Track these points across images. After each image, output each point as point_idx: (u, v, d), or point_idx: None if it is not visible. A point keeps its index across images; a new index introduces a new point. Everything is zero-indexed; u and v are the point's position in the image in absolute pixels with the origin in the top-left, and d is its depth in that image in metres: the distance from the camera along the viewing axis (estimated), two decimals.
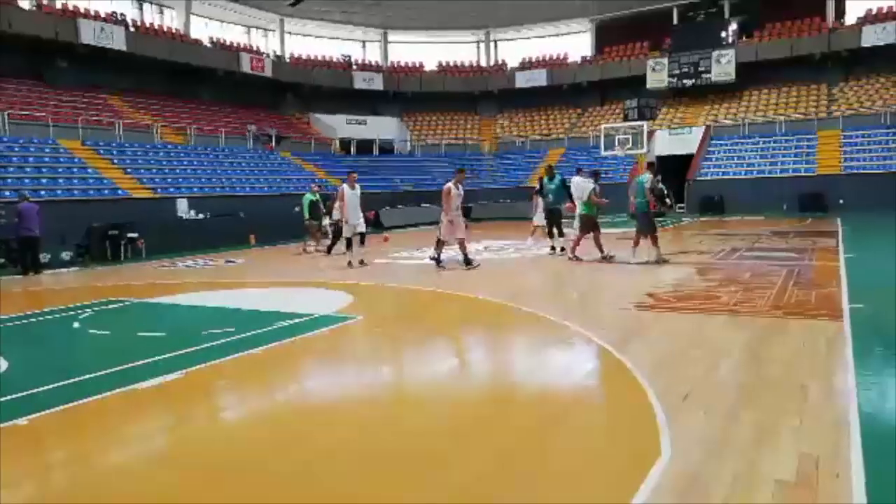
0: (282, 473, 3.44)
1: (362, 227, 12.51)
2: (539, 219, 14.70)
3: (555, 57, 40.37)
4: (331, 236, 15.96)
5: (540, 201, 14.44)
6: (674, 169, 29.57)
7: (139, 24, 30.45)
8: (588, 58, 39.26)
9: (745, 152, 29.64)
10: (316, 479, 3.38)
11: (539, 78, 38.83)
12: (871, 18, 31.71)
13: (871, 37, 30.46)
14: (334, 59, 38.79)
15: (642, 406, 4.22)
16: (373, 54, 41.31)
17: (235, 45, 34.45)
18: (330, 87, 36.66)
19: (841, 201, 24.02)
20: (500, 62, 42.00)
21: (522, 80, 39.16)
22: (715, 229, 18.86)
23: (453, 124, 40.06)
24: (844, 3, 33.84)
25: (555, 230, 13.53)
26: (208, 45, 32.71)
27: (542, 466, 3.47)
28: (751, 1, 33.56)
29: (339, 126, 34.83)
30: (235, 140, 28.61)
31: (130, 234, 16.28)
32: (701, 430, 3.77)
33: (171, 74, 30.29)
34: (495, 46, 42.52)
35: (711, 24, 34.50)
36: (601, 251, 11.90)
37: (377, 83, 38.17)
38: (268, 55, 35.11)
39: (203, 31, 34.15)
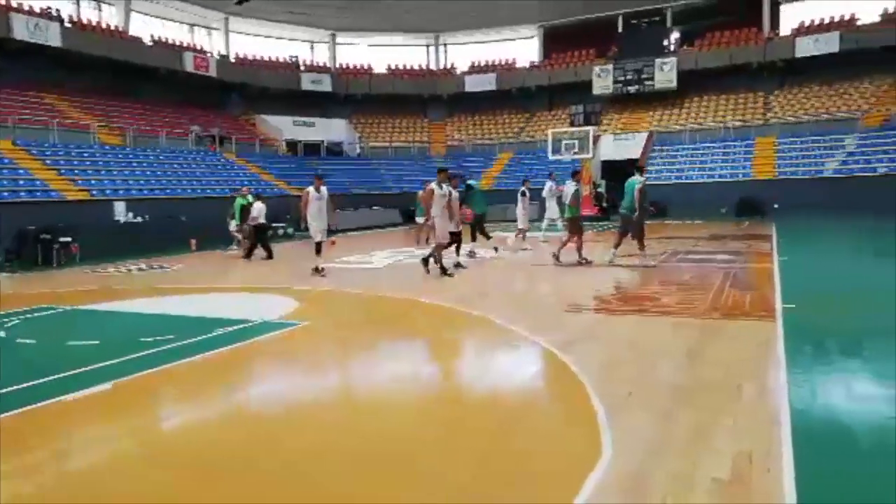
0: (223, 482, 3.32)
1: (322, 236, 11.75)
2: (523, 222, 15.76)
3: (504, 62, 40.79)
4: (242, 240, 15.83)
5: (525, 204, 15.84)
6: (619, 173, 30.39)
7: (76, 20, 29.28)
8: (536, 63, 39.82)
9: (685, 158, 30.56)
10: (258, 487, 3.28)
11: (488, 82, 39.15)
12: (804, 30, 33.19)
13: (805, 47, 31.87)
14: (281, 60, 38.19)
15: (585, 407, 4.27)
16: (321, 56, 40.87)
17: (178, 43, 33.51)
18: (277, 88, 36.06)
19: (776, 206, 24.99)
20: (449, 66, 42.16)
21: (472, 84, 39.40)
22: (657, 233, 19.33)
23: (403, 127, 39.97)
24: (779, 14, 35.34)
25: (479, 235, 13.86)
26: (149, 43, 31.71)
27: (486, 468, 3.46)
28: (692, 11, 34.71)
29: (286, 127, 34.27)
30: (177, 141, 27.79)
31: (64, 239, 15.56)
32: (641, 431, 3.83)
33: (110, 73, 29.20)
34: (445, 50, 42.67)
35: (654, 32, 35.51)
36: (579, 255, 12.05)
37: (326, 85, 37.77)
38: (212, 54, 34.27)
39: (144, 28, 33.08)
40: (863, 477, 3.24)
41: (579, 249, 12.05)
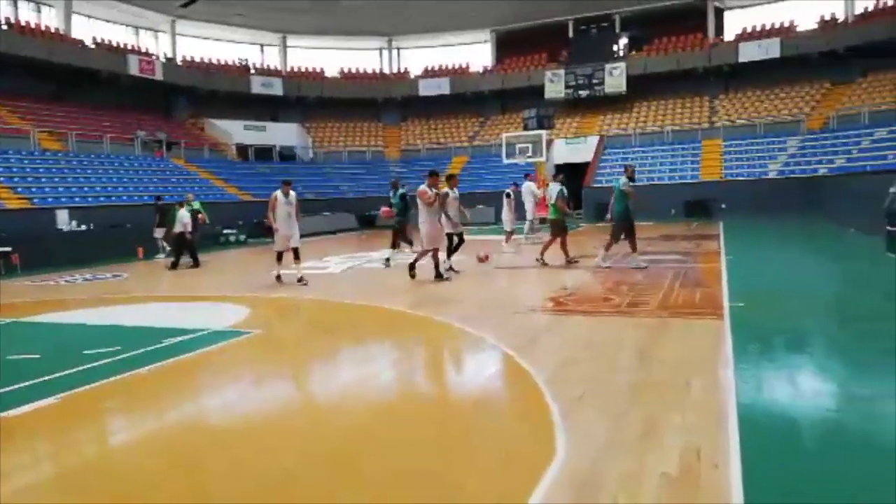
0: (171, 498, 3.21)
1: (296, 241, 11.13)
2: (509, 225, 16.06)
3: (457, 66, 40.99)
4: (167, 249, 15.56)
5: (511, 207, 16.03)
6: (572, 176, 30.84)
7: (13, 22, 28.16)
8: (489, 67, 40.14)
9: (636, 161, 31.19)
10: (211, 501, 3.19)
11: (442, 86, 39.29)
12: (746, 36, 34.36)
13: (748, 53, 33.02)
14: (231, 63, 37.52)
15: (539, 408, 4.30)
16: (272, 59, 40.30)
17: (122, 45, 32.57)
18: (227, 92, 35.39)
19: (723, 206, 25.76)
20: (403, 70, 42.14)
21: (426, 89, 39.48)
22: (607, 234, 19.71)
23: (357, 131, 39.74)
24: (724, 21, 36.51)
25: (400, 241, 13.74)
26: (91, 45, 30.73)
27: (442, 469, 3.45)
28: (640, 17, 35.55)
29: (237, 132, 33.66)
30: (123, 146, 26.99)
31: (3, 249, 14.95)
32: (593, 430, 3.87)
33: (51, 76, 28.23)
34: (398, 54, 42.63)
35: (604, 38, 36.24)
36: (566, 255, 12.17)
37: (277, 88, 37.27)
38: (158, 57, 33.44)
39: (86, 30, 32.04)
40: (806, 469, 3.34)
41: (565, 249, 12.21)
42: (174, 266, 14.61)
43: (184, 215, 14.54)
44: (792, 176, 26.07)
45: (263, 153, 33.54)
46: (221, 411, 4.83)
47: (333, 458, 3.73)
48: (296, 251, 11.12)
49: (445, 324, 7.28)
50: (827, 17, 32.64)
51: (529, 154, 27.88)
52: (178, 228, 14.57)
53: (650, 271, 10.81)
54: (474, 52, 41.37)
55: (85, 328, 8.13)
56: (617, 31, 36.15)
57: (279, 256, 11.26)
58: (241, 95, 35.87)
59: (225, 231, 22.46)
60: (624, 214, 11.20)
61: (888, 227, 11.52)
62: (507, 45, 39.83)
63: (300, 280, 10.95)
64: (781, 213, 22.63)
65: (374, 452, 3.78)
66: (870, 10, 31.64)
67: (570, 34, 37.24)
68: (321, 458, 3.74)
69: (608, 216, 11.85)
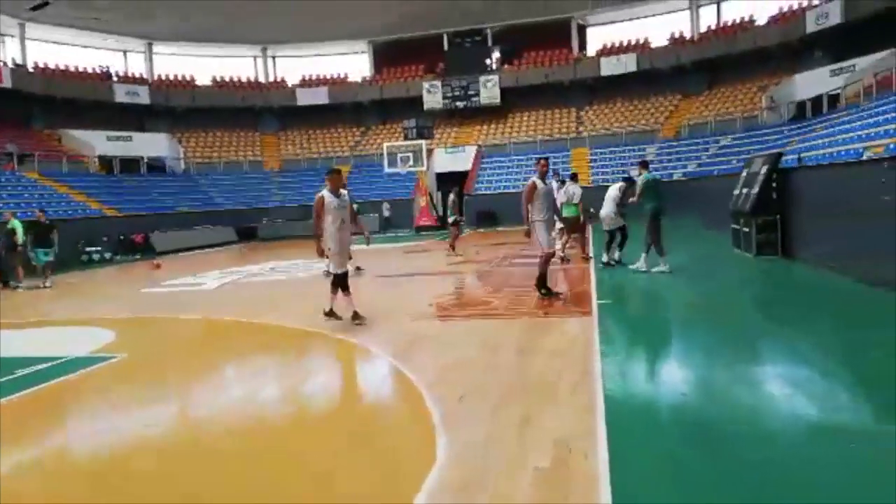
0: None
1: (342, 264, 7.81)
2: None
3: (336, 76, 40.66)
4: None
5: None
6: (452, 184, 31.45)
7: None
8: (368, 78, 40.14)
9: (511, 169, 32.43)
10: None
11: (321, 96, 38.80)
12: (606, 51, 36.79)
13: (608, 67, 35.41)
14: (91, 70, 34.92)
15: (420, 413, 4.39)
16: (137, 66, 37.95)
17: None
18: (87, 101, 32.78)
19: (591, 210, 27.24)
20: (279, 79, 41.14)
21: (304, 98, 38.80)
22: (490, 240, 20.38)
23: (233, 141, 38.28)
24: (586, 36, 38.85)
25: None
26: None
27: (323, 481, 3.44)
28: (510, 31, 37.03)
29: (99, 143, 31.24)
30: None
31: None
32: (472, 431, 4.00)
33: None
34: (274, 62, 41.57)
35: (478, 51, 37.46)
36: (584, 251, 13.32)
37: (143, 97, 35.12)
38: (6, 63, 30.49)
39: None
40: (668, 454, 3.63)
41: (584, 246, 13.24)
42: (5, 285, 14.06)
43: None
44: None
45: (130, 165, 31.36)
46: (81, 448, 4.50)
47: (203, 479, 3.60)
48: (342, 279, 7.82)
49: (327, 335, 7.20)
50: (676, 35, 35.66)
51: (411, 163, 28.22)
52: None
53: (527, 273, 11.28)
54: (352, 63, 41.26)
55: None
56: (489, 44, 37.53)
57: (339, 282, 7.80)
58: (103, 104, 33.42)
59: (87, 249, 20.84)
60: (653, 211, 10.45)
61: (733, 226, 12.77)
62: (384, 56, 40.05)
63: (355, 316, 7.75)
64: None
65: (252, 470, 3.69)
66: (712, 27, 34.95)
67: (446, 47, 38.10)
68: (190, 483, 3.60)
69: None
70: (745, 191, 12.20)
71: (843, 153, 14.86)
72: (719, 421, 4.02)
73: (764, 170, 11.52)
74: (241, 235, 28.38)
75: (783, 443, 3.64)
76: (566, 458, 3.52)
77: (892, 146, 12.78)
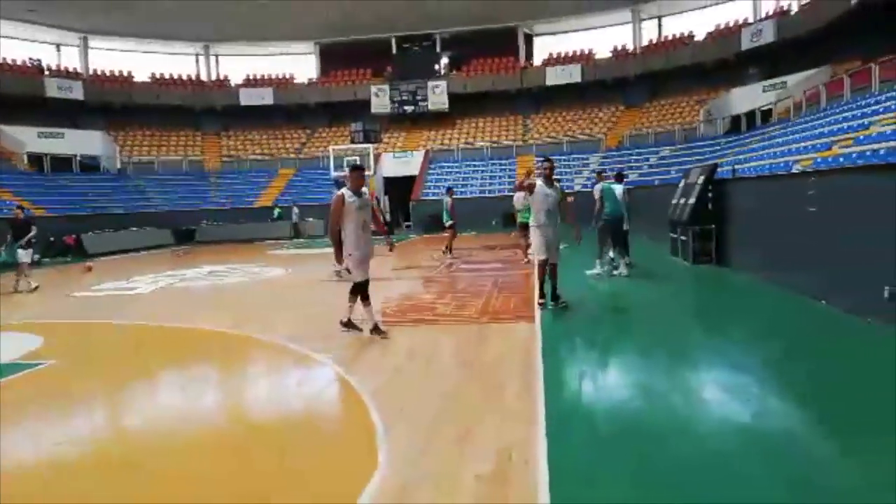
0: None
1: (364, 270, 7.06)
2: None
3: (281, 76, 39.99)
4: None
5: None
6: (400, 190, 31.48)
7: None
8: (314, 80, 39.64)
9: (459, 174, 32.58)
10: None
11: (265, 96, 38.08)
12: (553, 61, 37.44)
13: (554, 76, 36.08)
14: (21, 63, 33.27)
15: (363, 421, 4.33)
16: (70, 60, 36.37)
17: None
18: (16, 95, 31.15)
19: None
20: (222, 78, 40.16)
21: (247, 98, 37.99)
22: (437, 245, 20.33)
23: (172, 141, 37.11)
24: (533, 46, 39.45)
25: None
26: None
27: (264, 490, 3.34)
28: (459, 38, 37.26)
29: (30, 139, 29.78)
30: None
31: None
32: (413, 439, 3.96)
33: None
34: (217, 61, 40.55)
35: (426, 56, 37.50)
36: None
37: (77, 92, 33.66)
38: None
39: None
40: (606, 460, 3.67)
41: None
42: None
43: None
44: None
45: (62, 163, 30.02)
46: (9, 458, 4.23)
47: (137, 489, 3.44)
48: (363, 288, 7.11)
49: (268, 342, 7.03)
50: (619, 47, 36.60)
51: None
52: None
53: (473, 279, 11.32)
54: (299, 63, 40.59)
55: None
56: (438, 50, 37.65)
57: (359, 291, 7.12)
58: (34, 99, 31.87)
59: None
60: (611, 217, 11.54)
61: (671, 234, 13.14)
62: (332, 58, 39.60)
63: (376, 329, 7.09)
64: (584, 222, 24.78)
65: (193, 478, 3.54)
66: (653, 41, 36.03)
67: (394, 51, 38.01)
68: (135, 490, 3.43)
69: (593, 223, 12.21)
70: (682, 201, 12.56)
71: (773, 166, 15.53)
72: (654, 422, 4.10)
73: (700, 180, 11.90)
74: (179, 238, 27.52)
75: (713, 441, 3.73)
76: (507, 466, 3.53)
77: (819, 160, 13.44)
